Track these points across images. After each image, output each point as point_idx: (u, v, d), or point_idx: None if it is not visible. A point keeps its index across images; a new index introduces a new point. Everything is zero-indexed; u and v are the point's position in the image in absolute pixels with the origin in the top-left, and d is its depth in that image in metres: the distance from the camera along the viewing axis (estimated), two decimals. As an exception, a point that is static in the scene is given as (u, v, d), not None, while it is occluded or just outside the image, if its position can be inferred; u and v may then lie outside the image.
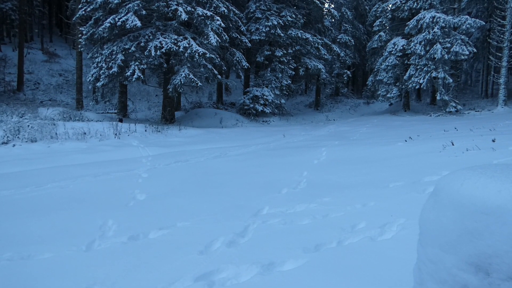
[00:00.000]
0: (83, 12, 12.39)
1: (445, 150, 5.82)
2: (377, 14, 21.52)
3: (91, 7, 12.14)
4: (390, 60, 18.12)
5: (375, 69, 20.02)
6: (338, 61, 23.52)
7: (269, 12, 17.39)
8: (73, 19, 14.80)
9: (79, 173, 5.92)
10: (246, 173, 5.67)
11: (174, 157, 7.56)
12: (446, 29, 16.32)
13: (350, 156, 6.44)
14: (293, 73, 18.41)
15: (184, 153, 8.16)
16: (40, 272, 2.42)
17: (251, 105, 17.20)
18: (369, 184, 4.36)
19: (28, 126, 8.15)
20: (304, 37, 17.77)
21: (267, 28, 16.82)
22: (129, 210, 3.89)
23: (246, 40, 15.84)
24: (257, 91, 17.36)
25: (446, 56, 16.02)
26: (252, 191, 4.54)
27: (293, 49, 18.04)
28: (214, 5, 13.17)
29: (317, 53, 19.09)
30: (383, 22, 20.19)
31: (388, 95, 18.54)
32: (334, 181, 4.73)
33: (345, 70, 24.28)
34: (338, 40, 23.68)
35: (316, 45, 18.49)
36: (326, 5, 24.79)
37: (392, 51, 18.16)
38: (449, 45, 16.20)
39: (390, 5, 19.69)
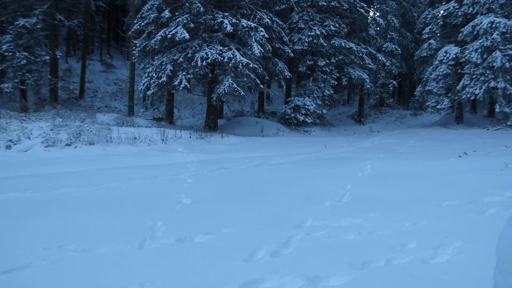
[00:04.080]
0: (138, 27, 13.33)
1: (508, 168, 5.35)
2: (427, 21, 20.54)
3: (145, 21, 13.03)
4: (441, 69, 17.14)
5: (424, 79, 19.03)
6: (383, 70, 22.74)
7: (312, 22, 17.38)
8: (129, 33, 15.97)
9: (130, 175, 6.31)
10: (288, 183, 5.67)
11: (217, 164, 7.76)
12: (508, 35, 15.09)
13: (397, 170, 6.17)
14: (336, 83, 18.11)
15: (226, 160, 8.35)
16: (99, 265, 2.62)
17: (292, 115, 17.17)
18: (419, 201, 4.15)
19: (88, 130, 8.89)
20: (347, 46, 17.48)
21: (310, 38, 16.80)
22: (176, 213, 4.07)
23: (289, 50, 15.94)
24: (298, 100, 17.32)
25: (507, 64, 14.79)
26: (294, 201, 4.53)
27: (336, 58, 17.80)
28: (258, 16, 13.47)
29: (361, 63, 18.63)
30: (433, 29, 19.20)
31: (438, 107, 17.49)
32: (380, 196, 4.56)
33: (391, 80, 23.39)
34: (383, 49, 22.94)
35: (360, 54, 18.07)
36: (371, 13, 24.22)
37: (443, 59, 17.18)
38: (510, 52, 14.96)
39: (442, 11, 18.70)
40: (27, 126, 9.03)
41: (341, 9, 17.70)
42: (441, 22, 18.79)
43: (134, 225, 3.55)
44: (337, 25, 17.47)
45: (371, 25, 21.52)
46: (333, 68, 17.80)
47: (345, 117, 23.41)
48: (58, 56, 15.85)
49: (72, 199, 4.63)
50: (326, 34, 17.16)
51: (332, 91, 17.99)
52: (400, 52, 23.43)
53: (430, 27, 19.45)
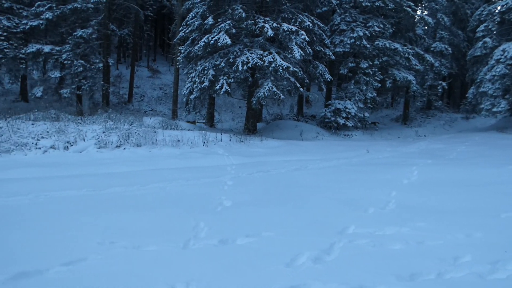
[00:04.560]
0: (183, 34, 13.92)
1: None
2: (481, 18, 19.07)
3: (190, 29, 13.57)
4: (498, 69, 15.80)
5: (478, 80, 17.67)
6: (431, 71, 21.47)
7: (354, 24, 16.94)
8: (174, 40, 16.73)
9: (174, 176, 6.57)
10: (328, 188, 5.56)
11: (256, 167, 7.83)
12: None
13: (447, 178, 5.79)
14: (379, 85, 17.44)
15: (266, 163, 8.39)
16: (148, 262, 2.76)
17: (333, 118, 16.83)
18: (472, 211, 3.86)
19: (135, 133, 9.44)
20: (392, 47, 16.78)
21: (352, 40, 16.39)
22: (218, 214, 4.17)
23: (330, 53, 15.68)
24: (339, 104, 16.94)
25: None
26: (335, 207, 4.43)
27: (380, 60, 17.16)
28: (299, 20, 13.41)
29: (407, 64, 17.76)
30: (489, 27, 17.78)
31: (494, 109, 16.12)
32: (429, 204, 4.31)
33: (440, 82, 21.99)
34: (432, 49, 21.66)
35: (406, 55, 17.25)
36: (419, 12, 23.00)
37: (500, 59, 15.83)
38: None
39: (499, 7, 17.27)
40: (82, 129, 9.78)
41: (386, 9, 17.05)
42: (498, 19, 17.37)
43: (178, 225, 3.69)
44: (381, 25, 16.86)
45: (418, 24, 20.44)
46: (376, 70, 17.18)
47: (389, 121, 22.44)
48: (110, 63, 17.02)
49: (122, 198, 4.93)
50: (369, 35, 16.63)
51: (375, 94, 17.35)
52: (450, 51, 21.98)
53: (485, 24, 18.07)
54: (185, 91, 13.67)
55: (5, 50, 13.14)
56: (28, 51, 13.46)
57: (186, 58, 14.21)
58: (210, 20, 12.63)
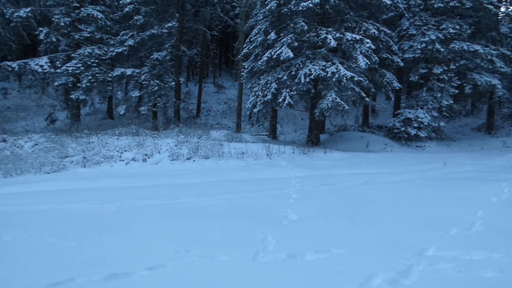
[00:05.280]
0: (247, 50, 14.51)
1: None
2: None
3: (253, 45, 14.10)
4: None
5: None
6: (521, 73, 18.86)
7: (425, 27, 15.81)
8: (238, 56, 17.50)
9: (240, 188, 6.78)
10: (400, 204, 5.20)
11: (321, 180, 7.67)
12: None
13: (549, 197, 4.98)
14: (456, 91, 15.87)
15: (330, 176, 8.17)
16: (220, 271, 2.88)
17: (402, 128, 15.75)
18: None
19: (204, 146, 10.02)
20: (471, 49, 15.20)
21: (423, 44, 15.28)
22: (284, 228, 4.17)
23: (398, 60, 14.82)
24: (409, 113, 15.81)
25: None
26: (410, 226, 4.11)
27: (456, 64, 15.65)
28: (364, 28, 13.00)
29: (490, 66, 15.88)
30: None
31: None
32: (527, 227, 3.75)
33: (533, 84, 19.17)
34: (521, 48, 19.09)
35: (489, 57, 15.45)
36: (503, 9, 20.54)
37: None
38: None
39: None
40: (158, 142, 10.70)
41: (463, 8, 15.61)
42: None
43: (247, 236, 3.79)
44: (457, 26, 15.46)
45: (503, 22, 18.24)
46: (452, 75, 15.72)
47: (469, 130, 20.18)
48: (181, 82, 18.43)
49: (193, 208, 5.24)
50: (443, 38, 15.36)
51: (451, 101, 15.84)
52: (545, 49, 19.10)
53: None
54: (248, 105, 14.11)
55: (97, 75, 15.14)
56: (114, 74, 15.31)
57: (250, 73, 14.72)
58: (272, 36, 12.96)
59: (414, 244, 3.40)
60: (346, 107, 11.93)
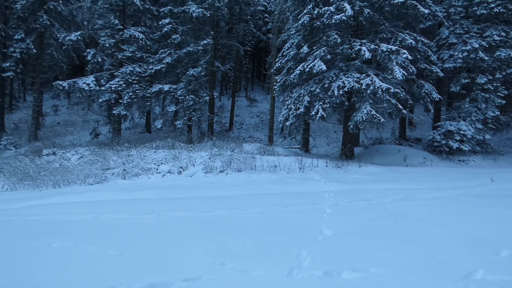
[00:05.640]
0: (279, 64, 14.67)
1: None
2: None
3: (285, 59, 14.23)
4: None
5: None
6: None
7: (467, 35, 15.08)
8: (271, 70, 17.73)
9: (273, 201, 6.75)
10: (443, 222, 4.90)
11: (356, 195, 7.44)
12: None
13: None
14: (503, 102, 14.86)
15: (366, 191, 7.90)
16: (256, 287, 2.86)
17: (443, 142, 14.93)
18: None
19: (236, 159, 10.14)
20: (520, 57, 14.23)
21: (465, 53, 14.56)
22: (319, 244, 4.08)
23: (438, 70, 14.21)
24: (450, 125, 14.99)
25: None
26: (455, 246, 3.85)
27: (503, 73, 14.71)
28: (400, 38, 12.68)
29: (542, 75, 14.74)
30: None
31: None
32: None
33: None
34: None
35: (540, 64, 14.37)
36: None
37: None
38: None
39: None
40: (192, 155, 11.00)
41: (509, 14, 14.76)
42: None
43: (281, 251, 3.75)
44: (503, 33, 14.60)
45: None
46: (498, 84, 14.78)
47: (519, 143, 18.67)
48: (215, 96, 18.97)
49: (227, 220, 5.29)
50: (487, 46, 14.55)
51: (497, 112, 14.83)
52: None
53: None
54: (281, 118, 14.14)
55: (137, 91, 16.03)
56: (153, 90, 16.12)
57: (282, 87, 14.81)
58: (305, 49, 13.01)
59: (460, 266, 3.18)
60: (382, 119, 11.57)
